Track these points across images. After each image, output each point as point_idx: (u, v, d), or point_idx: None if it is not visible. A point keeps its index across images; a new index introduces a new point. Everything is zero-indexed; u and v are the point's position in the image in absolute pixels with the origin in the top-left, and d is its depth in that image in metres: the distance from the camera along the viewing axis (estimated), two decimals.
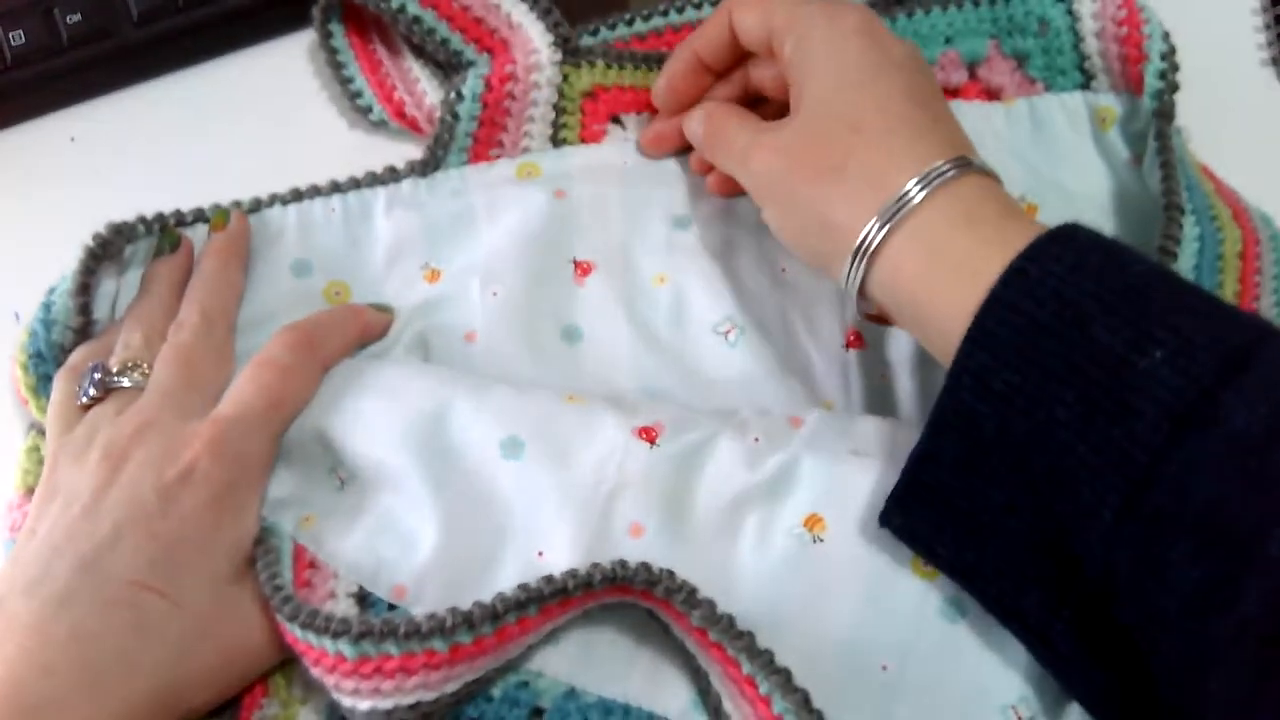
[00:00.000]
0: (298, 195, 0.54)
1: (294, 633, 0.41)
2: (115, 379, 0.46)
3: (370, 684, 0.39)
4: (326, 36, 0.56)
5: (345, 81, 0.57)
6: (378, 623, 0.39)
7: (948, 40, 0.56)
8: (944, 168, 0.41)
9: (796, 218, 0.45)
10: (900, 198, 0.41)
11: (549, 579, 0.40)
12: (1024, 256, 0.38)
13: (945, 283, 0.40)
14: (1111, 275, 0.37)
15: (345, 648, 0.39)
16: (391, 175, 0.54)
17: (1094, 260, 0.37)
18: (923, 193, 0.41)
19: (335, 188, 0.54)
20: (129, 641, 0.40)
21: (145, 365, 0.47)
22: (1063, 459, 0.36)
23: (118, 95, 0.59)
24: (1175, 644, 0.35)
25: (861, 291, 0.43)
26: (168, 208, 0.53)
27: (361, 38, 0.58)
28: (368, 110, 0.57)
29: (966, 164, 0.42)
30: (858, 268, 0.42)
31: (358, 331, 0.49)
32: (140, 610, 0.40)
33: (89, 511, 0.42)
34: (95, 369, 0.47)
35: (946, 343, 0.39)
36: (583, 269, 0.52)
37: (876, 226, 0.41)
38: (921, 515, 0.41)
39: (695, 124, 0.51)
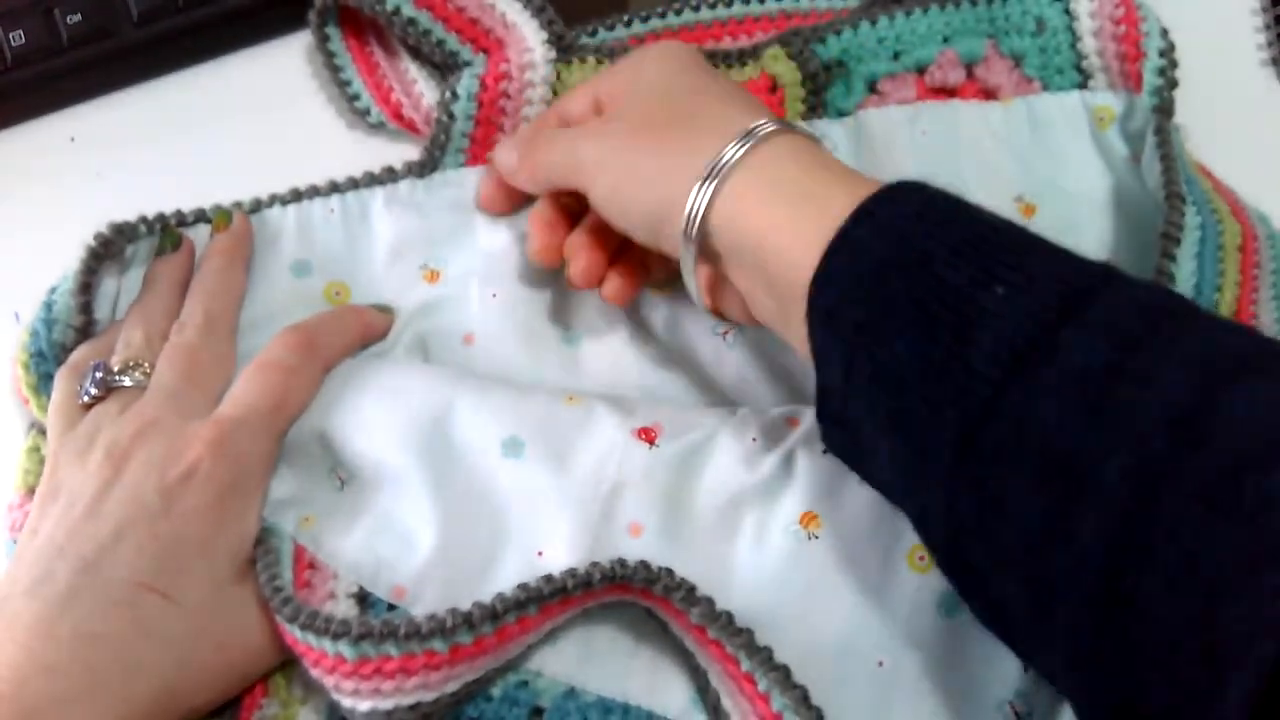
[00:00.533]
0: (297, 196, 0.54)
1: (294, 634, 0.41)
2: (116, 378, 0.46)
3: (370, 685, 0.40)
4: (324, 40, 0.56)
5: (343, 84, 0.57)
6: (377, 624, 0.39)
7: (945, 40, 0.56)
8: (774, 126, 0.42)
9: (635, 173, 0.44)
10: (746, 133, 0.41)
11: (548, 578, 0.41)
12: (873, 198, 0.38)
13: (792, 214, 0.40)
14: (957, 221, 0.37)
15: (345, 649, 0.39)
16: (390, 176, 0.54)
17: (941, 206, 0.38)
18: (768, 129, 0.42)
19: (334, 188, 0.54)
20: (130, 642, 0.40)
21: (146, 364, 0.47)
22: (904, 398, 0.36)
23: (118, 95, 0.59)
24: (1019, 583, 0.34)
25: (701, 247, 0.42)
26: (168, 208, 0.53)
27: (359, 40, 0.58)
28: (365, 112, 0.57)
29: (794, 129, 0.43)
30: (701, 199, 0.41)
31: (359, 332, 0.50)
32: (142, 611, 0.40)
33: (91, 512, 0.42)
34: (97, 368, 0.47)
35: (791, 279, 0.39)
36: None
37: (731, 151, 0.41)
38: (837, 433, 0.41)
39: (505, 154, 0.50)
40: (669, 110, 0.45)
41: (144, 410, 0.45)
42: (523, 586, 0.40)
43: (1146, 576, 0.31)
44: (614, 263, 0.49)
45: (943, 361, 0.35)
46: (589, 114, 0.49)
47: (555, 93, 0.55)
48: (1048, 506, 0.33)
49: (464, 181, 0.54)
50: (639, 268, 0.49)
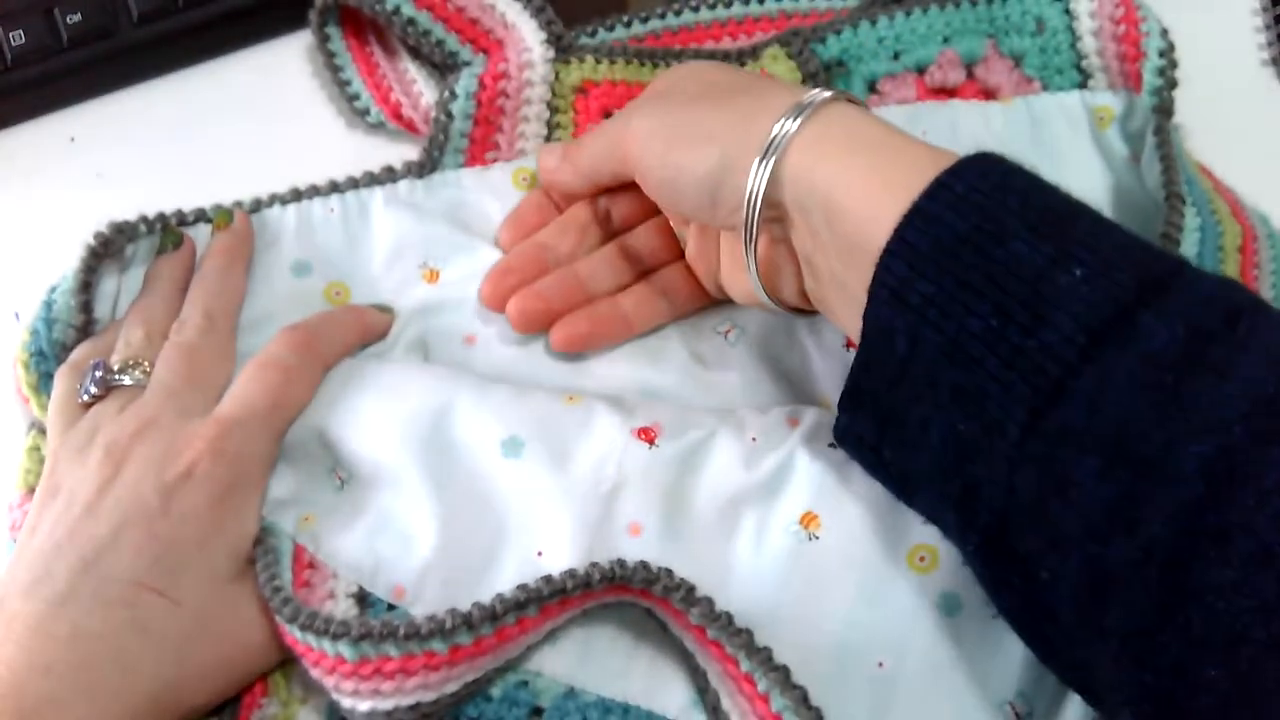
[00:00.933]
0: (297, 195, 0.54)
1: (293, 634, 0.41)
2: (116, 377, 0.46)
3: (370, 685, 0.40)
4: (324, 39, 0.57)
5: (343, 84, 0.57)
6: (377, 624, 0.39)
7: (945, 40, 0.56)
8: (829, 95, 0.42)
9: (692, 131, 0.44)
10: (811, 97, 0.41)
11: (548, 579, 0.41)
12: (949, 171, 0.37)
13: (872, 163, 0.39)
14: (1035, 197, 0.37)
15: (345, 649, 0.39)
16: (389, 176, 0.54)
17: (1017, 182, 0.37)
18: (830, 93, 0.41)
19: (334, 188, 0.54)
20: (129, 642, 0.40)
21: (146, 363, 0.47)
22: (971, 373, 0.35)
23: (118, 95, 0.59)
24: (1075, 570, 0.34)
25: (769, 201, 0.41)
26: (168, 208, 0.53)
27: (359, 39, 0.58)
28: (365, 112, 0.57)
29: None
30: (776, 146, 0.40)
31: (359, 332, 0.50)
32: (140, 610, 0.40)
33: (90, 511, 0.42)
34: (96, 367, 0.47)
35: (862, 241, 0.38)
36: None
37: (807, 102, 0.41)
38: (864, 419, 0.41)
39: (547, 155, 0.51)
40: (723, 84, 0.45)
41: (143, 409, 0.45)
42: (522, 587, 0.40)
43: (1218, 568, 0.31)
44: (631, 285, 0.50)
45: (1017, 339, 0.34)
46: None
47: (554, 92, 0.55)
48: (1116, 490, 0.33)
49: (462, 182, 0.54)
50: (656, 297, 0.50)
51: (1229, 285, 0.36)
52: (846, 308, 0.40)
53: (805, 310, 0.45)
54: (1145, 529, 0.32)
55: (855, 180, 0.39)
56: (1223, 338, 0.33)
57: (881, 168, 0.39)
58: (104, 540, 0.41)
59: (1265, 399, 0.32)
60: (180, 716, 0.41)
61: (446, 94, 0.54)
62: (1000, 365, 0.35)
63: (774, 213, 0.42)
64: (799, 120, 0.40)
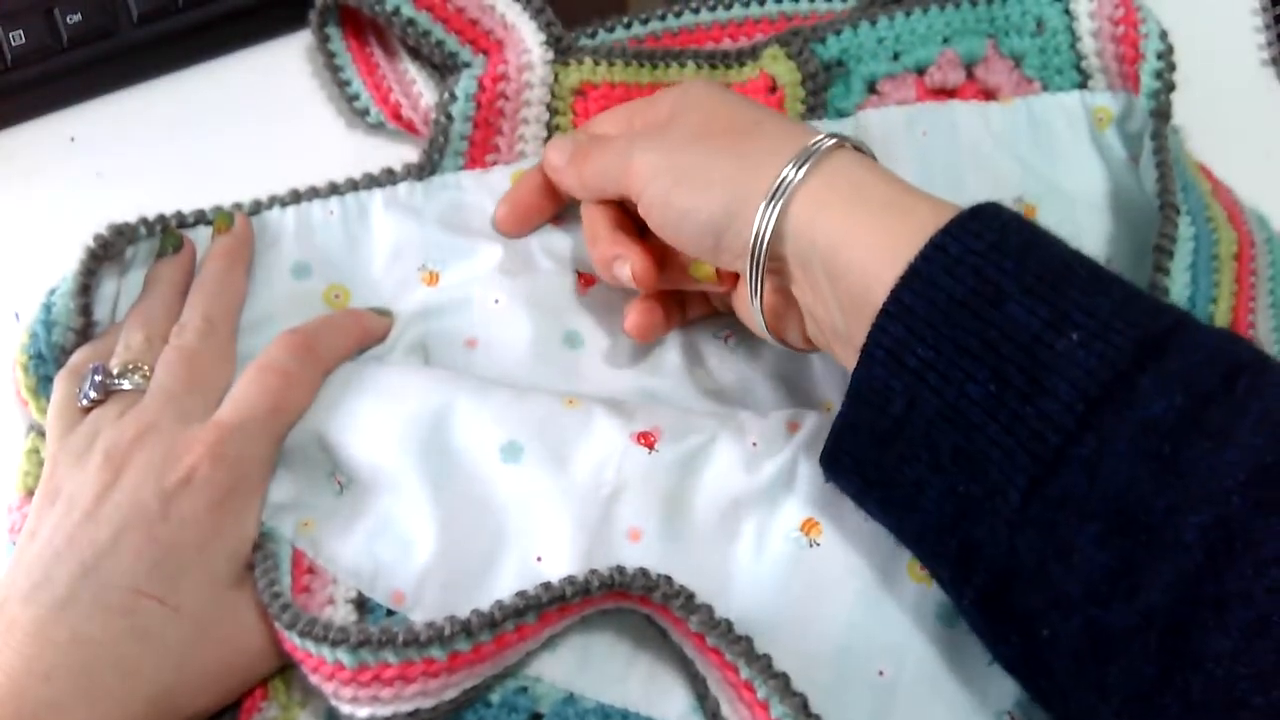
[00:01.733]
0: (296, 197, 0.54)
1: (293, 640, 0.41)
2: (116, 381, 0.46)
3: (369, 692, 0.40)
4: (324, 40, 0.57)
5: (343, 84, 0.57)
6: (376, 631, 0.39)
7: (945, 40, 0.56)
8: (838, 140, 0.42)
9: (697, 177, 0.43)
10: (817, 141, 0.41)
11: (547, 586, 0.41)
12: (945, 232, 0.37)
13: (874, 223, 0.39)
14: (1031, 256, 0.37)
15: (344, 656, 0.39)
16: (389, 177, 0.54)
17: (1014, 240, 0.37)
18: (834, 140, 0.41)
19: (334, 189, 0.54)
20: (128, 647, 0.40)
21: (146, 367, 0.47)
22: (971, 438, 0.36)
23: (118, 95, 0.59)
24: (1076, 631, 0.34)
25: (771, 253, 0.41)
26: (168, 208, 0.53)
27: (359, 40, 0.58)
28: (365, 112, 0.57)
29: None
30: (779, 200, 0.40)
31: (358, 336, 0.50)
32: (139, 617, 0.40)
33: (89, 516, 0.42)
34: (96, 371, 0.47)
35: (863, 298, 0.38)
36: (586, 280, 0.52)
37: (814, 149, 0.41)
38: (848, 479, 0.41)
39: (556, 152, 0.50)
40: (729, 120, 0.45)
41: (143, 414, 0.45)
42: (521, 594, 0.40)
43: (1217, 636, 0.31)
44: (649, 299, 0.49)
45: (1016, 406, 0.35)
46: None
47: (553, 94, 0.54)
48: (1116, 557, 0.33)
49: (462, 184, 0.54)
50: (674, 307, 0.50)
51: (1229, 339, 0.36)
52: (852, 358, 0.40)
53: (811, 350, 0.45)
54: (1145, 596, 0.32)
55: (856, 237, 0.39)
56: (1221, 399, 0.33)
57: (882, 224, 0.39)
58: (103, 545, 0.41)
59: (1263, 468, 0.32)
60: None
61: (446, 96, 0.54)
62: (1000, 431, 0.35)
63: (775, 264, 0.42)
64: (803, 169, 0.40)
